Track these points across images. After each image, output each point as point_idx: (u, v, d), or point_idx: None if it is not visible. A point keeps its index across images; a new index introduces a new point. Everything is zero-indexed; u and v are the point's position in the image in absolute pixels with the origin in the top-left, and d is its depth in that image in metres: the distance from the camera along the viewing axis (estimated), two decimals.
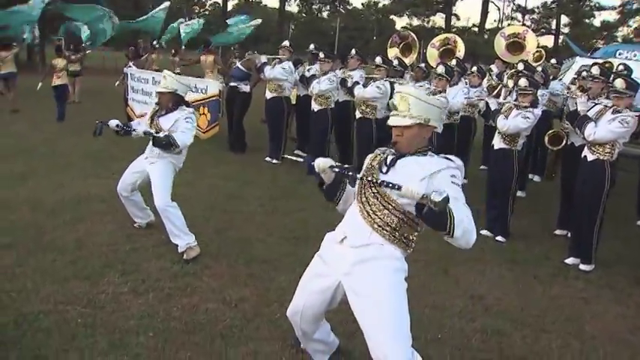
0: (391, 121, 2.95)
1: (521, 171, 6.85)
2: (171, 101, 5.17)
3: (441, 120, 3.00)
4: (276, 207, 6.88)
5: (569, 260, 5.65)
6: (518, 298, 4.76)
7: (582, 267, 5.52)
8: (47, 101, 13.20)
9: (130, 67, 11.22)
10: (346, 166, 3.11)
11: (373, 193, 2.90)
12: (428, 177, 2.81)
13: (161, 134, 5.00)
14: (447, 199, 2.49)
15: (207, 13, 59.97)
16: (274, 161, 9.31)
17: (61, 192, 6.86)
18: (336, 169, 3.00)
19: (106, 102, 13.79)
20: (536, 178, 9.40)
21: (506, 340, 3.99)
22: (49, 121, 12.29)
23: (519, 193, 7.59)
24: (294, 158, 3.45)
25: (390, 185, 2.70)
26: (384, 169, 2.95)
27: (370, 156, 3.13)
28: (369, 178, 2.86)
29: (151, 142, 5.18)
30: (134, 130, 5.30)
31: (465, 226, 2.62)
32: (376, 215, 2.88)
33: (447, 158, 2.92)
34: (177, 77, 5.29)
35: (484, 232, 6.26)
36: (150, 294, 4.30)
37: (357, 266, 2.89)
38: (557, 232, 6.57)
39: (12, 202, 6.30)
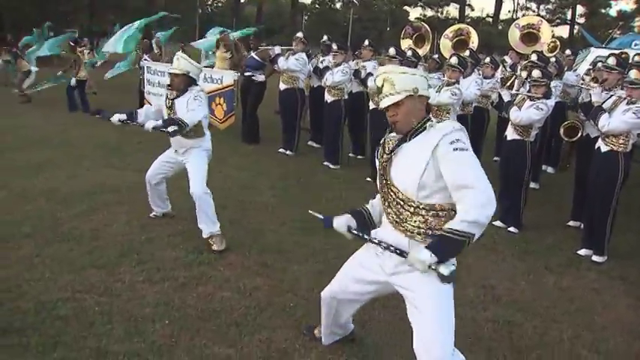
0: (381, 105, 2.88)
1: (535, 162, 6.84)
2: (184, 83, 5.17)
3: (429, 88, 2.90)
4: (289, 198, 6.93)
5: (582, 251, 5.66)
6: (529, 288, 4.78)
7: (595, 258, 5.53)
8: (58, 92, 13.31)
9: (145, 60, 11.28)
10: (361, 233, 3.05)
11: (394, 199, 2.87)
12: (430, 159, 2.68)
13: (170, 129, 5.01)
14: (453, 273, 2.54)
15: (220, 4, 60.01)
16: (288, 152, 9.35)
17: (75, 182, 6.96)
18: (354, 232, 3.04)
19: (121, 94, 13.86)
20: (550, 170, 9.36)
21: (517, 330, 4.02)
22: (61, 112, 12.41)
23: (532, 185, 7.58)
24: (316, 215, 3.39)
25: (397, 252, 2.75)
26: (388, 156, 2.89)
27: (379, 151, 3.05)
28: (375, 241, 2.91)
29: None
30: (141, 125, 5.32)
31: (479, 225, 2.58)
32: (406, 222, 2.83)
33: (444, 127, 2.76)
34: (189, 59, 5.28)
35: (497, 222, 6.28)
36: (165, 283, 4.37)
37: (400, 267, 2.88)
38: (571, 223, 6.57)
39: (29, 193, 6.40)
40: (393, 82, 2.80)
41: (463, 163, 2.66)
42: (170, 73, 5.26)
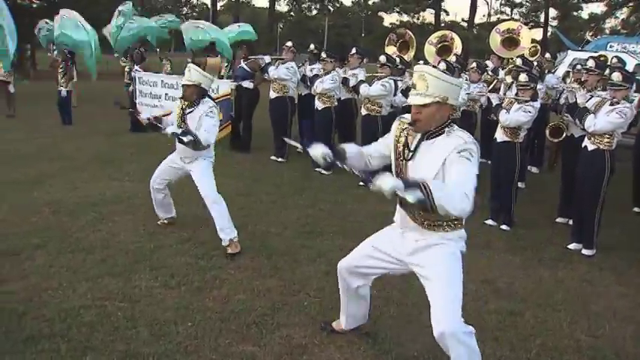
0: (410, 100, 3.07)
1: (522, 163, 7.12)
2: (195, 94, 5.29)
3: (458, 98, 3.17)
4: (287, 203, 7.12)
5: (572, 246, 5.93)
6: (527, 280, 5.04)
7: (584, 252, 5.80)
8: (43, 106, 13.31)
9: (137, 70, 11.37)
10: (336, 162, 3.31)
11: None
12: (441, 166, 2.95)
13: (185, 139, 5.16)
14: (422, 201, 2.68)
15: (195, 13, 59.93)
16: (280, 160, 9.54)
17: (77, 194, 7.08)
18: (328, 160, 3.30)
19: (107, 105, 13.91)
20: (534, 170, 9.66)
21: (519, 320, 4.27)
22: (48, 125, 12.46)
23: (520, 184, 7.84)
24: (293, 143, 3.80)
25: (363, 178, 2.96)
26: (408, 154, 3.11)
27: (396, 127, 3.24)
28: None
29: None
30: (164, 128, 5.49)
31: (446, 201, 2.71)
32: (420, 215, 3.11)
33: (461, 137, 2.98)
34: (201, 70, 5.39)
35: (489, 221, 6.55)
36: (181, 287, 4.54)
37: (420, 242, 3.19)
38: (559, 219, 6.85)
39: (32, 205, 6.51)
40: (428, 83, 2.96)
41: (463, 169, 2.90)
42: (182, 85, 5.40)
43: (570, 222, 6.43)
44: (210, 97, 5.48)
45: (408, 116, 3.18)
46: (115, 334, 3.81)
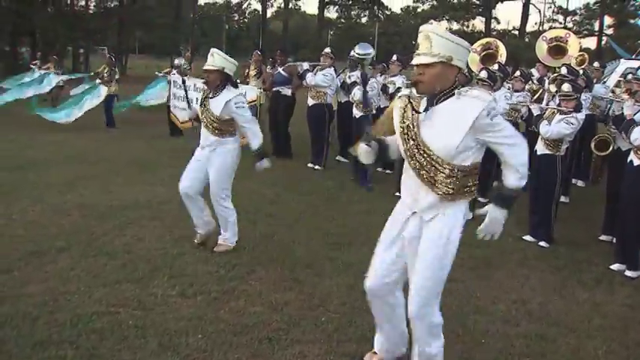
0: (414, 61, 2.92)
1: (565, 176, 6.80)
2: (219, 79, 5.17)
3: (466, 61, 3.02)
4: (319, 212, 6.97)
5: (615, 266, 5.58)
6: (562, 303, 4.74)
7: (628, 273, 5.45)
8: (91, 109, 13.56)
9: (173, 74, 11.44)
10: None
11: (428, 161, 2.95)
12: (470, 129, 2.84)
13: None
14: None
15: (246, 20, 60.73)
16: (317, 167, 9.42)
17: (109, 197, 7.10)
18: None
19: (149, 109, 14.03)
20: (580, 183, 9.28)
21: (550, 346, 3.99)
22: (92, 128, 12.63)
23: (563, 199, 7.51)
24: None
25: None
26: (421, 117, 2.97)
27: (398, 103, 3.16)
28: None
29: (204, 131, 5.30)
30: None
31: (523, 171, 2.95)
32: (441, 184, 2.95)
33: (478, 97, 2.90)
34: (224, 55, 5.26)
35: (527, 237, 6.25)
36: (198, 297, 4.42)
37: (424, 222, 3.07)
38: (603, 237, 6.49)
39: (64, 207, 6.55)
40: (431, 42, 2.84)
41: (500, 128, 2.88)
42: (205, 70, 5.25)
43: (614, 240, 6.07)
44: (235, 83, 5.35)
45: (404, 92, 3.14)
46: (124, 343, 3.71)
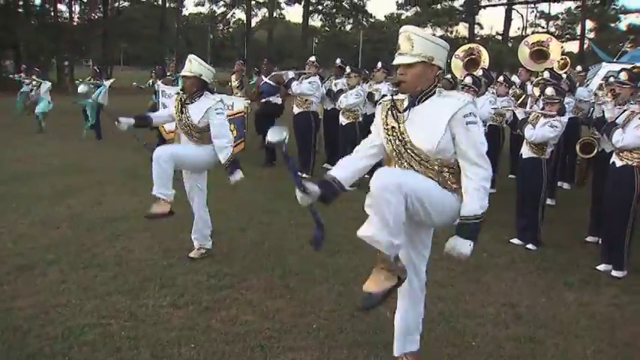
0: (396, 61, 2.99)
1: (551, 179, 6.88)
2: (196, 86, 5.12)
3: (446, 61, 3.09)
4: (308, 219, 6.94)
5: (601, 267, 5.65)
6: (550, 305, 4.79)
7: (614, 273, 5.51)
8: (74, 119, 13.56)
9: (160, 84, 11.46)
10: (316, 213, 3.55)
11: (417, 161, 3.01)
12: (447, 126, 2.89)
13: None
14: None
15: (230, 30, 60.71)
16: (304, 175, 9.43)
17: (99, 209, 7.09)
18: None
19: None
20: (566, 186, 9.37)
21: (539, 347, 4.03)
22: (79, 139, 12.62)
23: (549, 201, 7.58)
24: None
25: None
26: (404, 116, 3.01)
27: (380, 109, 3.19)
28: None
29: (183, 137, 5.34)
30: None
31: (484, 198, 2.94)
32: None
33: (454, 96, 3.02)
34: (202, 61, 5.21)
35: (515, 240, 6.31)
36: (189, 307, 4.43)
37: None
38: (589, 239, 6.56)
39: (53, 219, 6.55)
40: (413, 42, 2.91)
41: (474, 139, 2.91)
42: (182, 76, 5.23)
43: (600, 241, 6.15)
44: (210, 90, 5.35)
45: (387, 97, 3.19)
46: (116, 354, 3.71)
